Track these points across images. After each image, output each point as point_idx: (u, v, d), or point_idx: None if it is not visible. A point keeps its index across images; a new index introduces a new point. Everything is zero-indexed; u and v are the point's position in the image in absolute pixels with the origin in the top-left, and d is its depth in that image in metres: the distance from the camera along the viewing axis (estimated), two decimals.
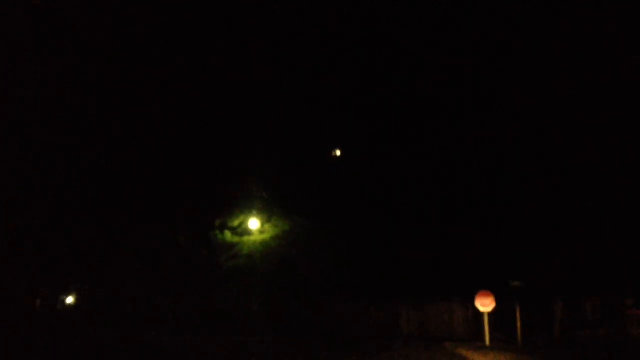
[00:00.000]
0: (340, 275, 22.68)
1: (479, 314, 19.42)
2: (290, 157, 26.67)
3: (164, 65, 28.39)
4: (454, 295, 20.25)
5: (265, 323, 21.77)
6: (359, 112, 26.27)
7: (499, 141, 22.11)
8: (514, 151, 22.12)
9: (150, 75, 28.23)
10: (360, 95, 26.40)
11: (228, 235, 25.12)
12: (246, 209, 25.37)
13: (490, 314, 18.02)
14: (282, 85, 27.59)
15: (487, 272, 20.97)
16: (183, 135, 28.05)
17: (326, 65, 27.04)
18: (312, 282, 22.84)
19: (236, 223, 25.36)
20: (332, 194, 25.16)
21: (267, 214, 25.40)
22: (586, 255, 22.14)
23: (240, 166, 26.32)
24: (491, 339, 17.68)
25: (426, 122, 24.05)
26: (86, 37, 27.61)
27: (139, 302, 24.91)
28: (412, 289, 20.99)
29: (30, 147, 26.91)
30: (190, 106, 28.39)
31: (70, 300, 29.74)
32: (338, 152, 27.12)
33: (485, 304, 17.97)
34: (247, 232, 25.35)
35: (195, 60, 28.70)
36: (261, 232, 25.14)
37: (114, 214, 28.08)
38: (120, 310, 25.23)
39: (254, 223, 25.09)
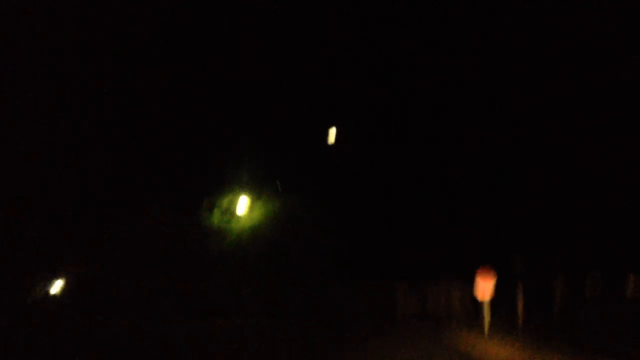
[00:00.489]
0: (334, 256, 21.92)
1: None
2: (282, 132, 25.44)
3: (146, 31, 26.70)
4: (453, 272, 19.58)
5: (256, 307, 21.12)
6: (359, 89, 25.00)
7: (501, 118, 21.21)
8: (515, 128, 21.24)
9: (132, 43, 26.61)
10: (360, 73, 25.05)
11: (217, 217, 24.11)
12: (235, 187, 24.28)
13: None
14: (280, 54, 26.08)
15: (486, 247, 20.24)
16: (171, 109, 26.66)
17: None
18: (304, 265, 22.09)
19: (225, 203, 24.31)
20: (324, 171, 24.10)
21: (257, 194, 24.36)
22: (587, 230, 21.44)
23: (229, 144, 25.09)
24: (490, 323, 17.03)
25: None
26: None
27: (126, 287, 24.14)
28: (409, 268, 20.36)
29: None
30: (177, 74, 26.87)
31: (55, 288, 28.86)
32: (332, 135, 25.73)
33: (484, 290, 16.98)
34: (236, 213, 24.36)
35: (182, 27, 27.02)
36: (250, 212, 24.13)
37: (99, 192, 26.95)
38: (106, 296, 24.48)
39: (243, 202, 24.07)
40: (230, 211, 24.50)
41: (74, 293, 26.95)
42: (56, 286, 27.96)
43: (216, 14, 26.26)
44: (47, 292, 28.14)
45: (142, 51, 26.50)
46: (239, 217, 24.14)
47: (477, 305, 18.49)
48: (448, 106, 22.79)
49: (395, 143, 23.45)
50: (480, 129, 21.80)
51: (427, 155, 22.31)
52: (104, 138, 26.74)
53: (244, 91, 26.33)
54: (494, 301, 17.48)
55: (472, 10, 21.38)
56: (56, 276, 28.16)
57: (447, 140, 22.14)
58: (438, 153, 22.14)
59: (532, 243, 19.97)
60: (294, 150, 25.15)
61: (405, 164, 22.99)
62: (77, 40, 26.49)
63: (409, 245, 20.98)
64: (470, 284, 18.25)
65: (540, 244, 20.47)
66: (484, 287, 17.00)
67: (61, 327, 20.01)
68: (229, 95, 26.24)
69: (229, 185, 24.49)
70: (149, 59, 26.51)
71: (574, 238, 20.76)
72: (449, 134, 22.52)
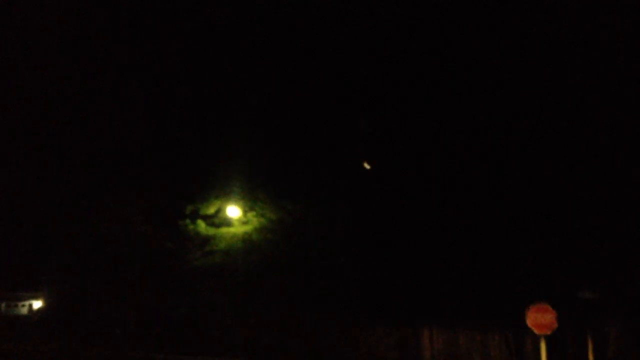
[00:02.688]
0: (340, 282, 18.02)
1: (522, 341, 14.98)
2: (280, 128, 21.40)
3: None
4: (490, 314, 15.64)
5: (243, 341, 17.28)
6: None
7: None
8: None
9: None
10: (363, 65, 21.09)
11: (201, 225, 20.13)
12: (224, 192, 20.26)
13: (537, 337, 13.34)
14: (273, 49, 22.03)
15: (532, 282, 16.29)
16: (151, 102, 22.61)
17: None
18: (304, 289, 18.20)
19: (212, 210, 20.31)
20: (333, 177, 20.14)
21: (250, 200, 20.35)
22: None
23: (217, 139, 21.03)
24: None
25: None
26: None
27: (89, 306, 20.38)
28: (434, 308, 16.39)
29: None
30: (161, 66, 22.81)
31: (38, 304, 26.62)
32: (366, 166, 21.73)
33: (542, 324, 13.05)
34: (226, 222, 20.36)
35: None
36: (243, 222, 20.15)
37: (64, 193, 22.94)
38: (67, 316, 20.79)
39: (233, 211, 20.07)
40: (217, 220, 20.51)
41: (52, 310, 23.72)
42: (38, 303, 25.74)
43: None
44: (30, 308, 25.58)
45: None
46: (228, 229, 20.16)
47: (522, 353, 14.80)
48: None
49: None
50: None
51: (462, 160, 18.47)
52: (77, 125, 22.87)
53: (241, 85, 22.28)
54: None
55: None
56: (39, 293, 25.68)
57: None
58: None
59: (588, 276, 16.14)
60: (295, 149, 21.12)
61: (435, 171, 19.04)
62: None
63: (435, 278, 17.07)
64: (512, 328, 14.54)
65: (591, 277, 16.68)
66: (542, 319, 13.11)
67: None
68: (222, 89, 22.19)
69: (217, 191, 20.48)
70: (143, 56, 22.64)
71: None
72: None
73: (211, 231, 20.04)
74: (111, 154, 22.22)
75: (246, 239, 19.81)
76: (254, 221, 20.07)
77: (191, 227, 20.06)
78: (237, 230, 19.97)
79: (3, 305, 28.59)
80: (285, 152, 21.05)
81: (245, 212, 20.17)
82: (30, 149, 24.37)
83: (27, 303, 28.38)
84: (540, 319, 12.65)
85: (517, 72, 18.17)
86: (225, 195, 20.28)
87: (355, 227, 20.15)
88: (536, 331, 12.63)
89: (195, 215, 20.35)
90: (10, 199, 24.77)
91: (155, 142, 21.52)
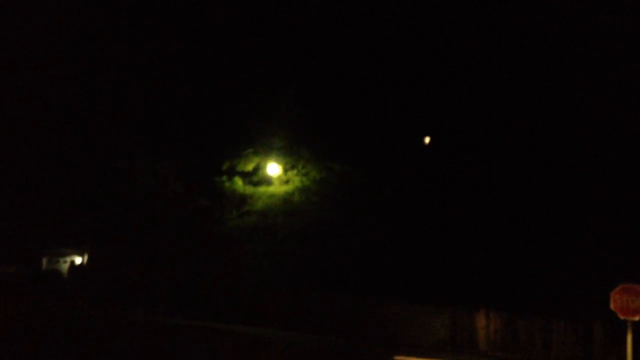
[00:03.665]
0: (387, 256, 15.90)
1: (590, 327, 13.24)
2: (327, 81, 19.16)
3: None
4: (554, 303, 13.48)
5: (276, 313, 15.58)
6: None
7: None
8: None
9: None
10: None
11: (238, 183, 18.39)
12: (263, 149, 18.37)
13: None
14: None
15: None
16: (187, 56, 20.94)
17: None
18: (347, 261, 16.20)
19: (250, 167, 18.50)
20: (388, 141, 17.83)
21: (293, 158, 18.38)
22: None
23: (257, 92, 19.09)
24: None
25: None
26: None
27: (118, 272, 19.32)
28: (492, 291, 14.32)
29: None
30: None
31: (79, 260, 26.24)
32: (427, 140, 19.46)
33: (630, 308, 11.26)
34: (265, 181, 18.54)
35: None
36: (283, 181, 18.25)
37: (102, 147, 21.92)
38: (100, 281, 19.86)
39: (273, 168, 18.19)
40: (256, 179, 18.72)
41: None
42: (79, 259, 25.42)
43: None
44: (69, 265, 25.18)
45: None
46: (267, 188, 18.33)
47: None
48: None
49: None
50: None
51: None
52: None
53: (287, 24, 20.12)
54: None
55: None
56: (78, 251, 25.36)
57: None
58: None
59: None
60: (346, 103, 18.85)
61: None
62: None
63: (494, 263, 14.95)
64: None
65: None
66: (631, 303, 11.19)
67: None
68: (262, 40, 20.11)
69: (257, 146, 18.62)
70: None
71: None
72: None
73: (249, 190, 18.28)
74: (147, 109, 20.86)
75: (286, 200, 17.92)
76: (296, 180, 18.12)
77: (227, 184, 18.38)
78: (277, 189, 18.11)
79: (45, 260, 28.19)
80: (332, 107, 18.85)
81: (286, 170, 18.26)
82: (68, 107, 23.58)
83: (68, 259, 27.80)
84: (628, 301, 11.29)
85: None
86: (265, 151, 18.40)
87: (407, 198, 17.86)
88: (620, 315, 11.32)
89: (232, 173, 18.63)
90: (50, 153, 24.14)
91: (193, 95, 19.86)
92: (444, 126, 19.17)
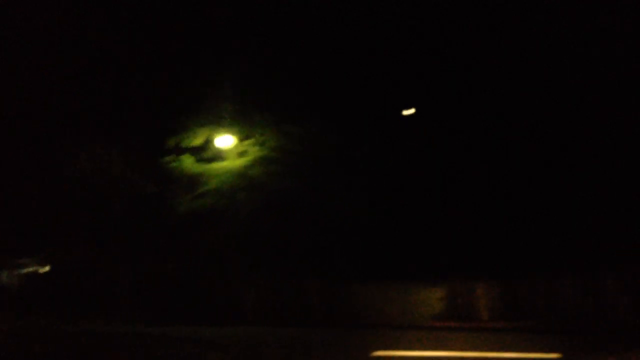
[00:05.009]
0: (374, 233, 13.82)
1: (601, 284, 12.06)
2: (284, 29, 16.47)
3: None
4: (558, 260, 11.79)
5: (246, 307, 13.46)
6: None
7: None
8: None
9: None
10: None
11: (187, 161, 15.91)
12: (211, 119, 15.81)
13: None
14: None
15: None
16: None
17: None
18: (327, 237, 14.07)
19: (199, 141, 15.97)
20: (359, 97, 15.42)
21: (247, 125, 15.87)
22: None
23: (199, 48, 16.36)
24: None
25: None
26: None
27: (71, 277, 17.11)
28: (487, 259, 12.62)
29: None
30: None
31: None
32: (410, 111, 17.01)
33: None
34: (220, 157, 16.07)
35: None
36: (239, 154, 15.81)
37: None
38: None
39: (225, 140, 15.70)
40: (209, 154, 16.25)
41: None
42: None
43: None
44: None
45: None
46: (221, 164, 15.89)
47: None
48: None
49: None
50: None
51: None
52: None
53: None
54: None
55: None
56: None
57: None
58: None
59: None
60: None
61: None
62: None
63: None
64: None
65: None
66: None
67: None
68: None
69: (204, 116, 16.04)
70: None
71: None
72: None
73: (200, 168, 15.81)
74: (79, 85, 17.98)
75: (244, 174, 15.51)
76: (253, 151, 15.67)
77: (175, 164, 15.86)
78: (233, 164, 15.66)
79: (5, 274, 25.40)
80: (289, 62, 16.23)
81: (240, 140, 15.78)
82: None
83: (32, 270, 25.05)
84: None
85: None
86: (214, 121, 15.84)
87: (385, 162, 15.66)
88: None
89: (180, 150, 16.11)
90: None
91: (124, 62, 17.03)
92: (429, 84, 16.78)
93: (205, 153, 16.06)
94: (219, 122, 15.70)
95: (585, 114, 14.86)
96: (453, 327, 12.26)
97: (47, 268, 19.87)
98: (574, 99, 15.03)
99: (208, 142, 16.01)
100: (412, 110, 17.13)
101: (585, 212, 14.04)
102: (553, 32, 15.63)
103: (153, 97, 16.46)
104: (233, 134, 15.69)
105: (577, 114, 14.94)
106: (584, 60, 15.15)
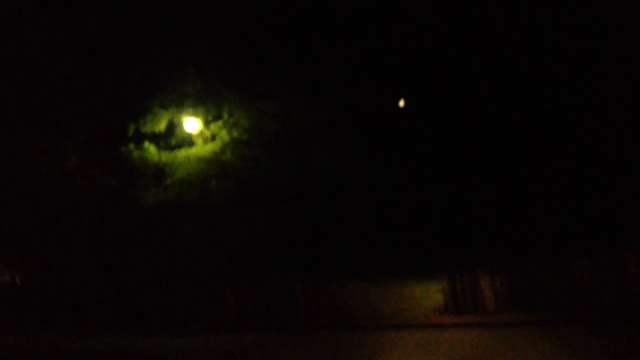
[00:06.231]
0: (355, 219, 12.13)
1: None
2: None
3: None
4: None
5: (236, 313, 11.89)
6: None
7: None
8: None
9: None
10: None
11: (150, 149, 14.06)
12: (174, 99, 13.91)
13: None
14: None
15: None
16: None
17: None
18: (307, 230, 12.38)
19: (161, 126, 14.09)
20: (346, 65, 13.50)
21: (215, 105, 14.00)
22: None
23: (157, 20, 14.34)
24: None
25: None
26: None
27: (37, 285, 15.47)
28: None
29: None
30: None
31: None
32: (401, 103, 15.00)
33: None
34: (187, 142, 14.25)
35: None
36: (207, 138, 13.99)
37: None
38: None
39: (191, 123, 13.85)
40: (174, 141, 14.41)
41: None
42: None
43: None
44: None
45: None
46: (188, 150, 14.06)
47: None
48: None
49: None
50: None
51: None
52: None
53: None
54: None
55: None
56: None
57: None
58: None
59: None
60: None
61: None
62: None
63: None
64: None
65: None
66: None
67: None
68: None
69: (165, 97, 14.12)
70: None
71: None
72: None
73: (165, 156, 13.98)
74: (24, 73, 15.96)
75: (214, 161, 13.71)
76: (223, 134, 13.83)
77: (136, 153, 14.02)
78: (201, 150, 13.85)
79: None
80: (257, 31, 14.24)
81: (208, 123, 13.93)
82: None
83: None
84: None
85: None
86: (177, 102, 13.95)
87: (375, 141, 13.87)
88: None
89: (141, 137, 14.24)
90: None
91: (74, 41, 14.99)
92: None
93: (170, 140, 14.22)
94: (183, 103, 13.82)
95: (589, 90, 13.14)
96: (457, 323, 10.70)
97: (5, 277, 18.18)
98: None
99: (173, 127, 14.17)
100: (402, 102, 15.25)
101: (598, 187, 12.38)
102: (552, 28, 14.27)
103: (107, 81, 14.50)
104: (199, 116, 13.83)
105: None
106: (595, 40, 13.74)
